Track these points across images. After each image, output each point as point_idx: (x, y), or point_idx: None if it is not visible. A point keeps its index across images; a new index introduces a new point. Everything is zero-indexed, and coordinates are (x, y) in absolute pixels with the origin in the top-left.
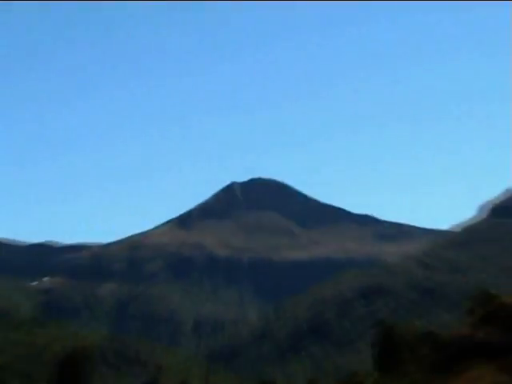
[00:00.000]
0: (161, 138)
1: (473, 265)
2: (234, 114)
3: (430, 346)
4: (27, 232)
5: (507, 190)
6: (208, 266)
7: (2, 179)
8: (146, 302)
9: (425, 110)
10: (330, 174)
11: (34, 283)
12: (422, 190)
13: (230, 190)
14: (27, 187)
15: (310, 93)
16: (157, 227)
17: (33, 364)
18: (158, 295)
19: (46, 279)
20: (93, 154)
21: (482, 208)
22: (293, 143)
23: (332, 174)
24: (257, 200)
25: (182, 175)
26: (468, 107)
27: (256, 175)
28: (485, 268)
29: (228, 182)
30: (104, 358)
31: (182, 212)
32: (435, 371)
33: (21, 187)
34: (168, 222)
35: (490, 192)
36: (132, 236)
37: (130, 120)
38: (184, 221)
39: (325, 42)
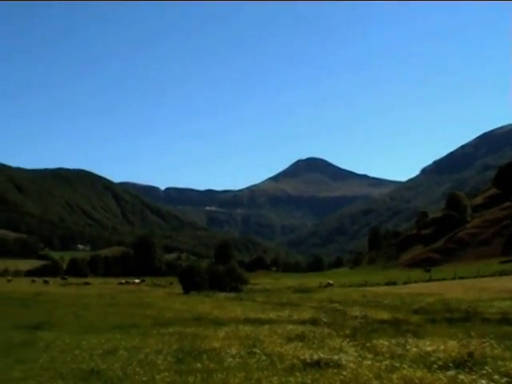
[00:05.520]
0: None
1: (414, 198)
2: None
3: (395, 237)
4: None
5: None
6: (287, 201)
7: None
8: (259, 218)
9: None
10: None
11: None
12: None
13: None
14: None
15: None
16: (260, 182)
17: (200, 247)
18: (265, 215)
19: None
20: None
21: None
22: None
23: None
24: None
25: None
26: None
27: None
28: (420, 200)
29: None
30: (237, 245)
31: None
32: (397, 249)
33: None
34: (266, 179)
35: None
36: (250, 186)
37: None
38: (275, 178)
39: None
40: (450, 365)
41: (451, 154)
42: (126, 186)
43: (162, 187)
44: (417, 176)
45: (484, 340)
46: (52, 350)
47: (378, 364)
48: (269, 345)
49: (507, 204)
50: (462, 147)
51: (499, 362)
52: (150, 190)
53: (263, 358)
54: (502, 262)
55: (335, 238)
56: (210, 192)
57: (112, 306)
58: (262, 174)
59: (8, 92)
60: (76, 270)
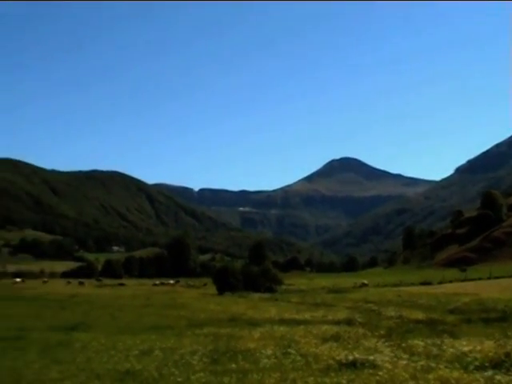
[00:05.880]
0: None
1: (449, 197)
2: None
3: (430, 237)
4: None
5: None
6: (321, 201)
7: None
8: (293, 218)
9: None
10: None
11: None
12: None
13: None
14: None
15: None
16: (294, 183)
17: (234, 248)
18: (299, 215)
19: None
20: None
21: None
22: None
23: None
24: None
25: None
26: None
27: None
28: (455, 199)
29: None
30: (271, 246)
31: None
32: (431, 249)
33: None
34: (299, 180)
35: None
36: (284, 186)
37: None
38: (309, 178)
39: None
40: (487, 365)
41: (485, 152)
42: (159, 187)
43: (196, 188)
44: (451, 175)
45: None
46: (88, 351)
47: (413, 364)
48: (304, 345)
49: None
50: (497, 146)
51: None
52: (184, 191)
53: (298, 358)
54: None
55: (370, 237)
56: (243, 193)
57: (147, 307)
58: (295, 174)
59: (42, 95)
60: (111, 271)
